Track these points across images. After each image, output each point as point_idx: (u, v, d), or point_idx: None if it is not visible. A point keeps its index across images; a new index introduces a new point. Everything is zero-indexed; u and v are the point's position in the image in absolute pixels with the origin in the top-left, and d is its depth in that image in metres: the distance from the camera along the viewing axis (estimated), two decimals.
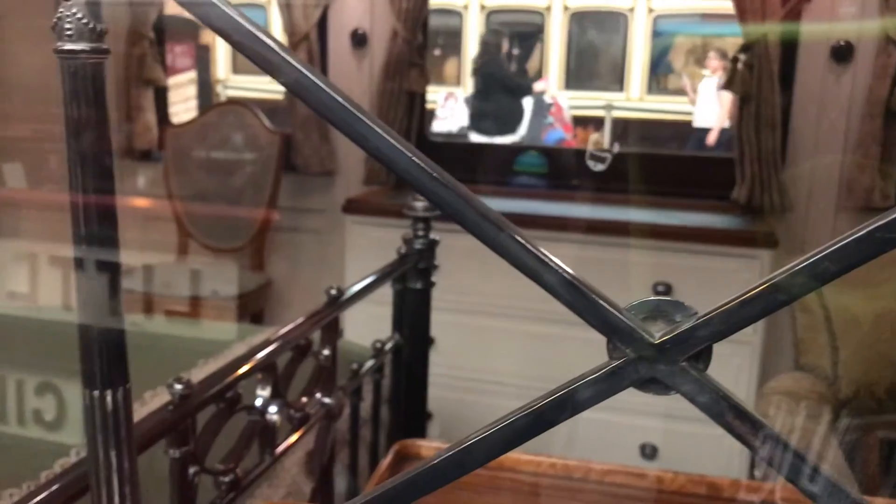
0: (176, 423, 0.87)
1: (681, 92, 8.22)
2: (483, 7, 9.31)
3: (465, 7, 9.19)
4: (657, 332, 0.34)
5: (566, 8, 9.46)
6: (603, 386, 0.32)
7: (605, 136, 8.98)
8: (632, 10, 9.27)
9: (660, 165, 3.21)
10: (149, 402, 1.34)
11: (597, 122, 9.10)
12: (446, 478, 0.35)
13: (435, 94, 8.37)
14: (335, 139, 3.24)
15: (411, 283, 1.64)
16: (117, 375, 0.44)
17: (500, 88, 6.40)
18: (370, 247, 2.75)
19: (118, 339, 0.43)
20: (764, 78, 2.67)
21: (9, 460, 1.30)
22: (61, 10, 0.42)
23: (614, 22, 9.43)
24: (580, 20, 9.58)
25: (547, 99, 7.47)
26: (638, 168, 3.13)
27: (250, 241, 3.17)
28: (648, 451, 2.61)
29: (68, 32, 0.42)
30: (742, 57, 2.71)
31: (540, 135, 6.86)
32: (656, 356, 0.33)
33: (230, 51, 9.89)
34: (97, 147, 0.43)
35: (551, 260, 0.33)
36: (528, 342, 2.58)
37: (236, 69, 9.74)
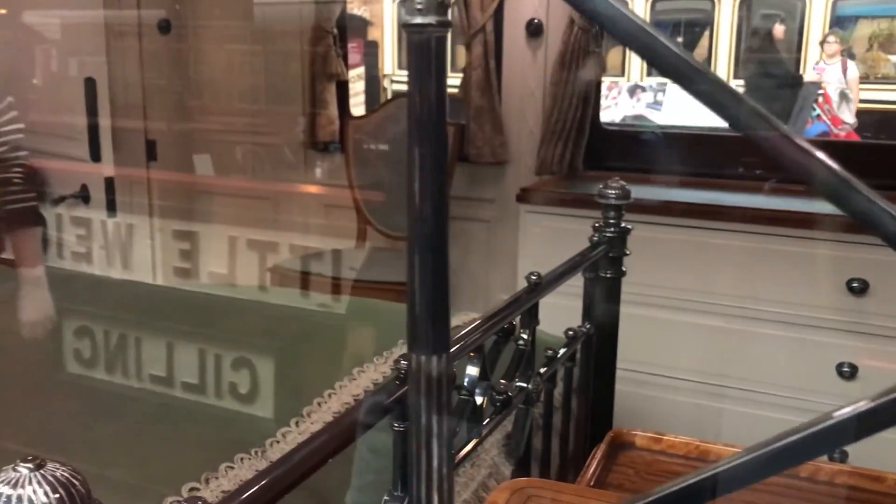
0: (401, 399, 0.91)
1: (865, 77, 7.66)
2: None
3: None
4: None
5: None
6: None
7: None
8: None
9: (841, 153, 3.00)
10: (357, 378, 1.40)
11: None
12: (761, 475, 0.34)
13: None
14: (508, 129, 3.26)
15: (602, 271, 1.63)
16: (441, 343, 0.45)
17: (772, 78, 6.00)
18: (544, 236, 2.74)
19: (444, 310, 0.45)
20: None
21: (230, 430, 1.39)
22: None
23: (790, 6, 8.93)
24: (752, 5, 9.13)
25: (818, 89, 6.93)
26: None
27: None
28: (838, 454, 2.45)
29: (419, 6, 0.44)
30: None
31: (804, 127, 6.39)
32: None
33: (396, 46, 10.16)
34: (436, 113, 0.45)
35: None
36: (711, 338, 2.49)
37: (402, 64, 10.00)
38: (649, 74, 9.44)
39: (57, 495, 0.47)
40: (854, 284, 2.40)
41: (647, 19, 9.15)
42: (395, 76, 10.07)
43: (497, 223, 3.29)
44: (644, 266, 2.43)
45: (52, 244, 3.02)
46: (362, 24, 10.26)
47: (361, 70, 9.05)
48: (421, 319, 0.43)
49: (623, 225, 1.63)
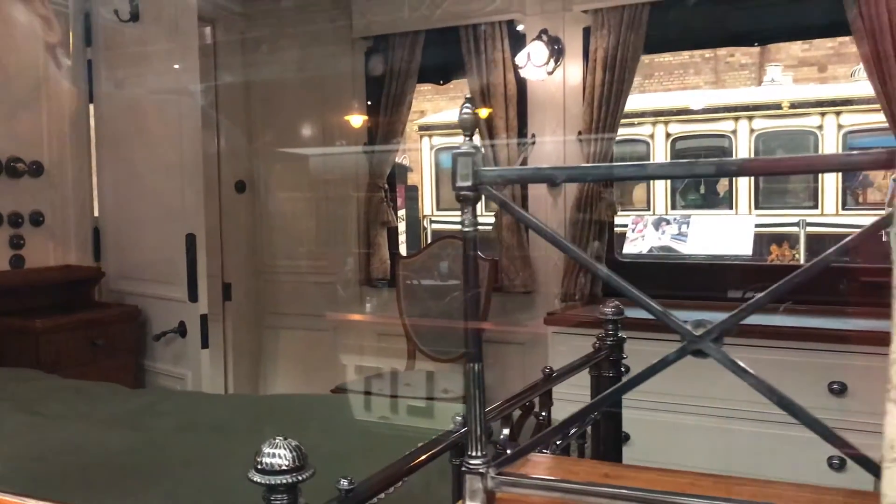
0: (455, 442, 1.37)
1: (880, 205, 8.10)
2: (668, 135, 9.81)
3: (651, 136, 9.74)
4: None
5: (752, 130, 9.75)
6: None
7: (801, 250, 9.00)
8: (820, 127, 9.41)
9: (845, 275, 3.38)
10: None
11: (792, 239, 9.17)
12: None
13: (625, 219, 8.89)
14: (535, 264, 3.79)
15: (605, 371, 2.10)
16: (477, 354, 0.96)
17: None
18: (570, 352, 3.19)
19: (478, 341, 0.95)
20: None
21: None
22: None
23: (803, 140, 9.55)
24: (767, 140, 9.79)
25: None
26: (827, 279, 3.38)
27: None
28: (836, 463, 2.76)
29: (467, 222, 0.97)
30: None
31: None
32: None
33: (435, 189, 10.96)
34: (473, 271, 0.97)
35: None
36: (716, 437, 2.90)
37: (440, 205, 10.78)
38: (674, 207, 10.05)
39: (294, 454, 0.96)
40: (834, 386, 2.82)
41: (669, 157, 9.83)
42: (434, 216, 10.83)
43: (530, 344, 3.77)
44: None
45: (153, 373, 3.56)
46: (403, 171, 11.14)
47: (402, 212, 9.81)
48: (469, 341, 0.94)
49: (619, 335, 2.11)
